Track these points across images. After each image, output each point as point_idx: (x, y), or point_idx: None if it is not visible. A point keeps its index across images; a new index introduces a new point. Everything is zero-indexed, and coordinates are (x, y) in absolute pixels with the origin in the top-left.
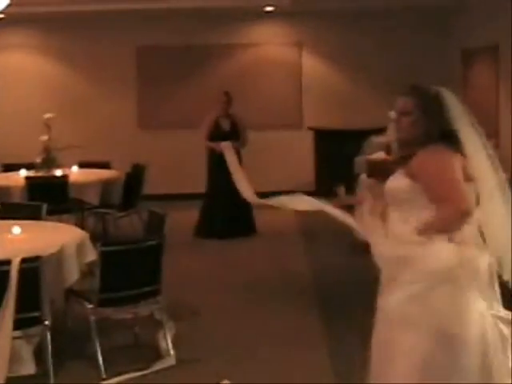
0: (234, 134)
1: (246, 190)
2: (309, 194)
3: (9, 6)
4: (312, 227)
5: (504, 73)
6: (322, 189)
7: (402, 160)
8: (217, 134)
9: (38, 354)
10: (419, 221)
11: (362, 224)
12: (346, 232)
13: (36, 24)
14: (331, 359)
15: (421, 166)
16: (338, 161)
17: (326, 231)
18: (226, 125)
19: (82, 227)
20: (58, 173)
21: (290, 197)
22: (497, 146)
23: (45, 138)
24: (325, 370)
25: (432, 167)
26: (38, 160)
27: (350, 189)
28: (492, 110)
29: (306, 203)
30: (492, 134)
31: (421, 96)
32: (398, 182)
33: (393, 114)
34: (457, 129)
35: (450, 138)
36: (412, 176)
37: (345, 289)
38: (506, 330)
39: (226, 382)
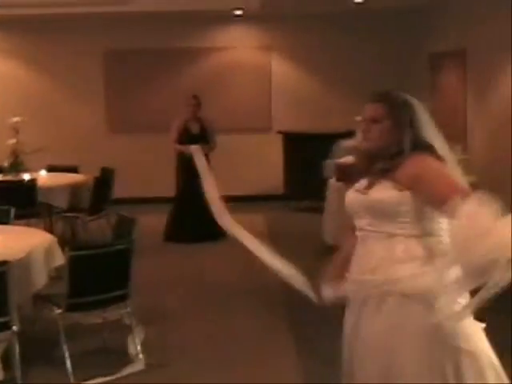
0: (203, 137)
1: (213, 198)
2: (278, 197)
3: None
4: (281, 231)
5: (471, 77)
6: (292, 192)
7: (383, 172)
8: (186, 138)
9: (6, 360)
10: (405, 235)
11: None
12: (314, 235)
13: (6, 27)
14: (300, 360)
15: (414, 173)
16: (307, 164)
17: (294, 235)
18: (195, 128)
19: (51, 231)
20: (26, 177)
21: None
22: (464, 150)
23: (13, 141)
24: (294, 370)
25: (430, 171)
26: (6, 164)
27: (320, 193)
28: (460, 113)
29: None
30: (460, 137)
31: (391, 103)
32: (386, 193)
33: (360, 119)
34: (426, 137)
35: (423, 147)
36: (402, 186)
37: None
38: None
39: None
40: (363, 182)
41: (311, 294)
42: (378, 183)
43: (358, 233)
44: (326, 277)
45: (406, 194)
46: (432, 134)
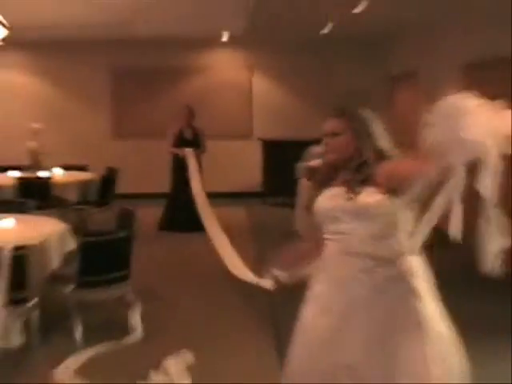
0: (196, 142)
1: (199, 192)
2: (256, 194)
3: (6, 34)
4: (260, 222)
5: (423, 95)
6: (268, 190)
7: (362, 181)
8: (180, 142)
9: (26, 329)
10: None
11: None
12: (287, 225)
13: (27, 48)
14: (276, 337)
15: (388, 169)
16: (282, 166)
17: (271, 225)
18: (188, 134)
19: (64, 221)
20: (43, 174)
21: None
22: None
23: (32, 144)
24: (269, 347)
25: (400, 161)
26: (26, 163)
27: (293, 190)
28: (413, 126)
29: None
30: (413, 146)
31: (349, 117)
32: (374, 198)
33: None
34: (382, 145)
35: (382, 155)
36: (383, 190)
37: None
38: None
39: (184, 352)
40: (337, 190)
41: (264, 283)
42: (363, 190)
43: (332, 236)
44: (279, 263)
45: (388, 197)
46: (386, 142)
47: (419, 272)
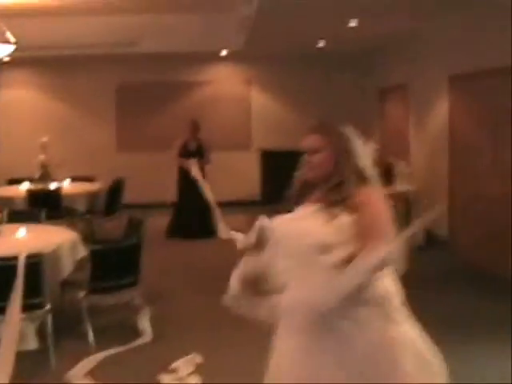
0: (199, 153)
1: (211, 198)
2: (255, 202)
3: (14, 50)
4: None
5: (412, 106)
6: (266, 198)
7: (336, 203)
8: (185, 153)
9: (40, 333)
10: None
11: None
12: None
13: (36, 65)
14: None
15: (369, 200)
16: (279, 175)
17: None
18: (192, 146)
19: (73, 230)
20: (53, 186)
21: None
22: (408, 165)
23: (42, 157)
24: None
25: (380, 204)
26: (37, 175)
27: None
28: (403, 135)
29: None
30: (404, 154)
31: (329, 133)
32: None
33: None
34: (360, 160)
35: (363, 178)
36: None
37: None
38: None
39: (192, 355)
40: (312, 208)
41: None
42: (339, 213)
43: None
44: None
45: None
46: (364, 156)
47: (394, 294)
